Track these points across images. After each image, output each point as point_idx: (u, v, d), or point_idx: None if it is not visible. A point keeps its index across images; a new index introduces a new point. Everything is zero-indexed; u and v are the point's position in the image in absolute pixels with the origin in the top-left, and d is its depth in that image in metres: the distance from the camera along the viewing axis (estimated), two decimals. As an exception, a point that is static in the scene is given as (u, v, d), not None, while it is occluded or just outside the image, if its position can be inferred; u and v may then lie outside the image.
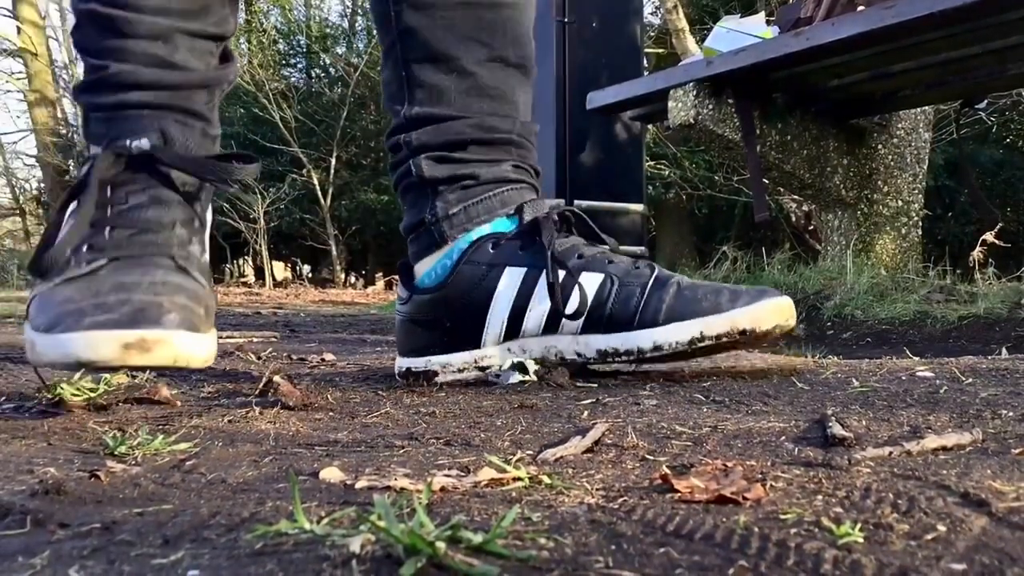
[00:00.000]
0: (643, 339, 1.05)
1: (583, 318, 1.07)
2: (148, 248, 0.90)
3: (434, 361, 1.12)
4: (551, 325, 1.09)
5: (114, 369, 0.80)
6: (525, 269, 1.09)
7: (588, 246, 1.13)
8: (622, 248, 1.18)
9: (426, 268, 1.15)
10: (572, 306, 1.07)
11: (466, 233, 1.12)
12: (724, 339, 1.04)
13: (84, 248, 0.89)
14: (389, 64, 1.16)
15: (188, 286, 0.88)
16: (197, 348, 0.84)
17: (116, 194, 0.92)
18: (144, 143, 0.94)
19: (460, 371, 1.12)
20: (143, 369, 0.81)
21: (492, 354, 1.11)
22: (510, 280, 1.09)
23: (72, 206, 0.93)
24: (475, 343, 1.11)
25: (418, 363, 1.13)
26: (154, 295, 0.84)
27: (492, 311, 1.10)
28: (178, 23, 0.98)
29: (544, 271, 1.07)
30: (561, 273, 1.07)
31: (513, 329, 1.10)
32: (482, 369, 1.11)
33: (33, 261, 0.90)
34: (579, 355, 1.09)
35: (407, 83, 1.14)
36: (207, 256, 0.97)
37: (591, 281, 1.08)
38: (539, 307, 1.09)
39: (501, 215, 1.12)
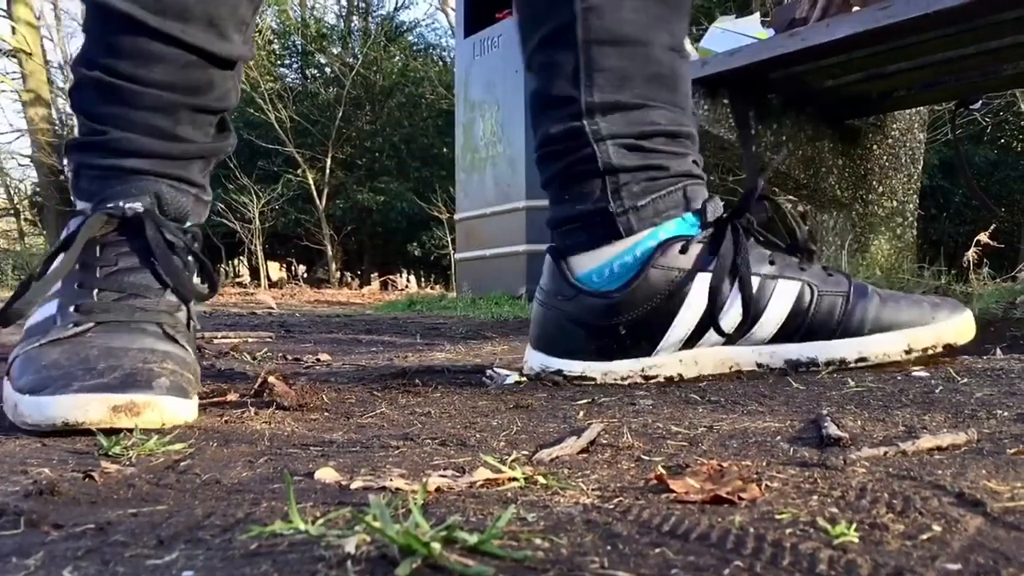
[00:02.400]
0: (847, 349, 1.04)
1: (777, 328, 1.05)
2: (136, 314, 0.89)
3: (594, 368, 1.06)
4: (735, 335, 1.06)
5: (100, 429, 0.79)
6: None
7: (779, 253, 1.08)
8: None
9: (596, 263, 1.07)
10: (773, 316, 1.05)
11: (653, 228, 1.05)
12: (929, 351, 1.05)
13: (71, 308, 0.88)
14: (560, 47, 1.07)
15: (177, 353, 0.88)
16: (184, 410, 0.84)
17: (105, 254, 0.91)
18: (137, 205, 0.93)
19: (623, 379, 1.06)
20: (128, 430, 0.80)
21: (663, 363, 1.06)
22: (702, 288, 1.04)
23: (58, 260, 0.91)
24: (647, 351, 1.06)
25: (574, 367, 1.07)
26: (143, 362, 0.84)
27: (679, 319, 1.04)
28: (183, 98, 0.96)
29: (736, 279, 1.04)
30: (756, 281, 1.04)
31: (694, 338, 1.05)
32: (647, 378, 1.06)
33: (4, 309, 0.89)
34: (760, 366, 1.06)
35: (586, 67, 1.06)
36: (195, 322, 0.96)
37: (788, 289, 1.05)
38: (728, 316, 1.04)
39: (686, 213, 1.07)
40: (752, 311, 1.03)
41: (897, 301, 1.06)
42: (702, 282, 1.04)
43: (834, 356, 1.05)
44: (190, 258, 0.96)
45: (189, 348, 0.92)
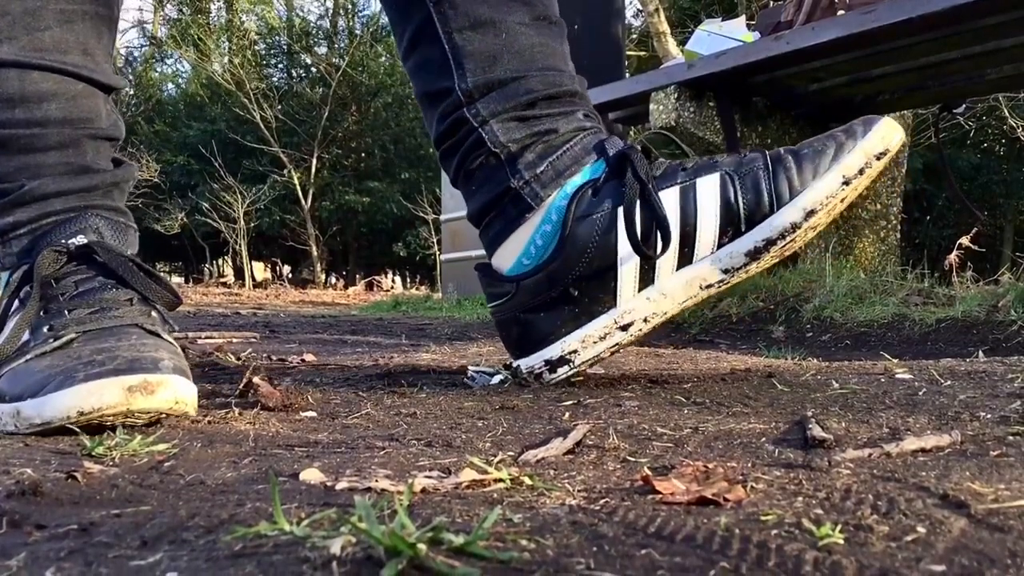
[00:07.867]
0: (792, 213, 0.98)
1: (718, 226, 1.00)
2: (114, 321, 0.89)
3: (569, 340, 1.03)
4: (685, 256, 1.01)
5: (114, 419, 0.78)
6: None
7: (689, 159, 1.05)
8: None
9: (519, 247, 1.06)
10: (708, 216, 0.99)
11: (560, 189, 1.04)
12: (866, 170, 0.98)
13: (45, 328, 0.88)
14: (426, 43, 1.08)
15: (164, 345, 0.89)
16: (192, 393, 0.84)
17: (62, 284, 0.92)
18: (81, 239, 0.94)
19: (602, 338, 1.02)
20: (144, 415, 0.80)
21: (633, 307, 1.01)
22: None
23: (15, 304, 0.92)
24: (611, 303, 1.02)
25: (552, 351, 1.04)
26: (139, 351, 0.84)
27: (621, 259, 1.00)
28: (82, 130, 1.00)
29: (643, 201, 0.99)
30: (675, 192, 1.00)
31: (647, 275, 1.01)
32: (624, 328, 1.01)
33: None
34: (727, 271, 1.00)
35: (454, 56, 1.07)
36: (171, 325, 0.97)
37: (709, 185, 1.00)
38: (652, 237, 1.00)
39: (587, 163, 1.05)
40: (683, 223, 1.00)
41: (811, 146, 1.01)
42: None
43: (784, 225, 0.98)
44: (143, 275, 0.96)
45: (173, 342, 0.93)
